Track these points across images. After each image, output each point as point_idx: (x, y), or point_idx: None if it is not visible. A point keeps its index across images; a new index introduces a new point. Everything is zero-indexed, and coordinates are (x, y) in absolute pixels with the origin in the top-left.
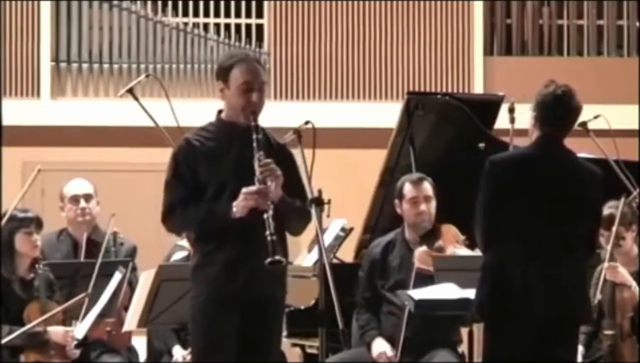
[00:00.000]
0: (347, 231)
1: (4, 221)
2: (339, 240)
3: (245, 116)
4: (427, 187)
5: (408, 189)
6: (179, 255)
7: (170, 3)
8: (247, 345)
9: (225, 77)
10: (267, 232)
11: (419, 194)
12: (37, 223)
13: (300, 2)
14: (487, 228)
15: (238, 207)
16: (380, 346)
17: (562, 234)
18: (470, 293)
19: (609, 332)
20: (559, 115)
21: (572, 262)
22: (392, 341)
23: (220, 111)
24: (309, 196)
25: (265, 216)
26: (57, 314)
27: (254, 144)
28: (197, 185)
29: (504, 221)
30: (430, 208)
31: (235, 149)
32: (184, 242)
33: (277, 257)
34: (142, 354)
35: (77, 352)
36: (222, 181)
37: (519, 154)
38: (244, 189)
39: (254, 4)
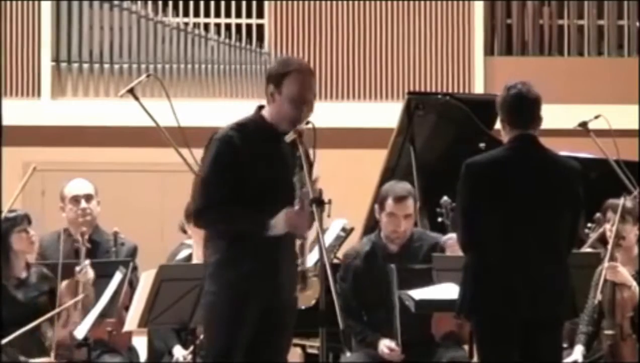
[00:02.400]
0: (347, 232)
1: None
2: (340, 240)
3: (289, 127)
4: (409, 205)
5: (389, 204)
6: (185, 253)
7: (170, 3)
8: (259, 348)
9: (279, 82)
10: (299, 261)
11: (398, 213)
12: (27, 219)
13: (300, 2)
14: (466, 230)
15: (277, 225)
16: (385, 343)
17: (542, 232)
18: None
19: (609, 332)
20: (523, 111)
21: (554, 259)
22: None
23: (261, 107)
24: (310, 195)
25: (300, 243)
26: (59, 315)
27: (297, 161)
28: (236, 184)
29: (483, 222)
30: (407, 225)
31: (276, 151)
32: (191, 241)
33: (308, 292)
34: (143, 354)
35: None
36: (261, 185)
37: (494, 156)
38: (287, 211)
39: (254, 4)
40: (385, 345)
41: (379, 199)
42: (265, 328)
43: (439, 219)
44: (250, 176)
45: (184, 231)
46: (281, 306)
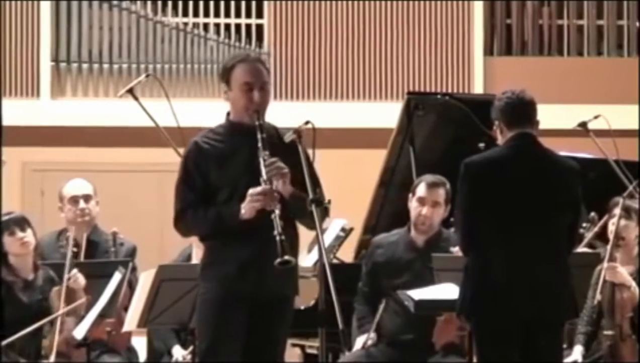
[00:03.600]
0: (347, 231)
1: None
2: (339, 240)
3: (249, 115)
4: (440, 193)
5: (420, 188)
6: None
7: (170, 3)
8: (253, 344)
9: (227, 78)
10: (275, 232)
11: (427, 197)
12: (18, 221)
13: (300, 2)
14: (466, 230)
15: (245, 209)
16: (360, 339)
17: (542, 232)
18: None
19: (608, 332)
20: (518, 109)
21: (554, 259)
22: (394, 341)
23: (229, 113)
24: (310, 195)
25: (272, 216)
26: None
27: (259, 144)
28: (207, 188)
29: (483, 222)
30: (434, 213)
31: (244, 150)
32: None
33: (286, 257)
34: (142, 354)
35: None
36: (233, 183)
37: (493, 155)
38: (250, 191)
39: (254, 4)
40: (361, 342)
41: (412, 188)
42: (257, 325)
43: (452, 230)
44: (218, 174)
45: None
46: (270, 302)
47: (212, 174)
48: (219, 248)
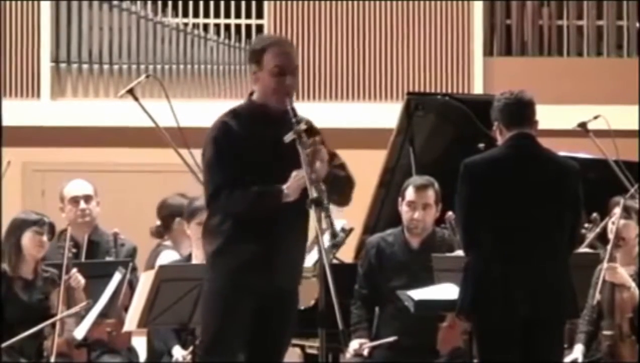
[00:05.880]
0: (347, 232)
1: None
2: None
3: (277, 99)
4: (429, 194)
5: (409, 192)
6: (167, 254)
7: (170, 3)
8: (257, 338)
9: (259, 59)
10: (323, 214)
11: (417, 201)
12: (50, 227)
13: (300, 2)
14: (467, 230)
15: (290, 189)
16: (353, 344)
17: (542, 231)
18: None
19: (608, 333)
20: (517, 109)
21: (554, 259)
22: (394, 345)
23: (251, 93)
24: (310, 196)
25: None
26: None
27: (294, 126)
28: (237, 166)
29: (484, 222)
30: (426, 215)
31: (271, 133)
32: (169, 242)
33: (340, 235)
34: (142, 354)
35: None
36: (263, 166)
37: (493, 155)
38: (295, 173)
39: (254, 4)
40: (353, 348)
41: (401, 191)
42: (262, 319)
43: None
44: (248, 158)
45: (160, 235)
46: (276, 296)
47: (241, 155)
48: (230, 240)
